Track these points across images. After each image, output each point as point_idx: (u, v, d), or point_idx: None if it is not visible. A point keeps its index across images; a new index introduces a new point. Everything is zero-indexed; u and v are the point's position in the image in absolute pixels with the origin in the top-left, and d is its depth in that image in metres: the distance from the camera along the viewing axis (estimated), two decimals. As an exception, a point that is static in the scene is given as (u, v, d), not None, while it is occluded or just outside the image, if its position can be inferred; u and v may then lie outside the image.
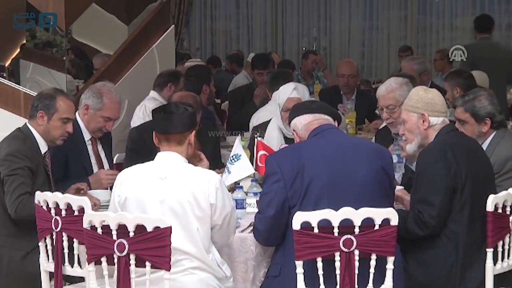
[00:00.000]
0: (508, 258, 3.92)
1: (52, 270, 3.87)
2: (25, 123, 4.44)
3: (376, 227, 3.40)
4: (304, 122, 3.82)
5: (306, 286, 3.43)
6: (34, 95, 5.85)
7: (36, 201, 3.91)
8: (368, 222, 3.40)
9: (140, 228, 3.35)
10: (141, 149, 4.95)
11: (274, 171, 3.61)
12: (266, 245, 3.78)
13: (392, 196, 3.81)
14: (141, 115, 6.22)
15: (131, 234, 3.35)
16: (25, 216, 4.10)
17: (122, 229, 3.36)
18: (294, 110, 3.96)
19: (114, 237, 3.37)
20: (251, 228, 3.88)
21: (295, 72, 9.83)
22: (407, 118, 4.09)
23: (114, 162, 5.29)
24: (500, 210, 3.83)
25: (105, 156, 5.03)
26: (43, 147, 4.39)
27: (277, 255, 3.69)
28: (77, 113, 4.86)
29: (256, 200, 4.20)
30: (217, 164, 5.28)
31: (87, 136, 4.92)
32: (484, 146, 4.48)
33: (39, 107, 4.39)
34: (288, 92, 5.14)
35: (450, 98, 6.16)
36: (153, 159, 3.69)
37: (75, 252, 3.82)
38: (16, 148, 4.24)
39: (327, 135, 3.73)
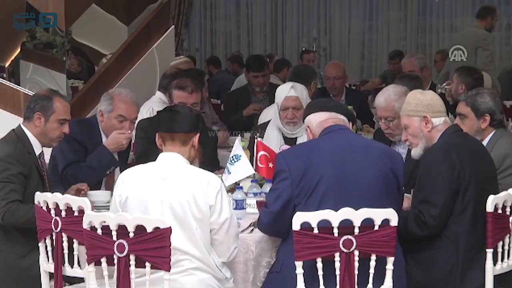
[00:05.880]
0: (508, 258, 3.92)
1: (52, 270, 3.87)
2: (19, 125, 4.38)
3: (376, 228, 3.40)
4: (319, 120, 3.81)
5: (306, 287, 3.44)
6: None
7: (36, 202, 3.91)
8: (368, 223, 3.40)
9: (140, 229, 3.35)
10: (153, 135, 4.90)
11: (282, 169, 3.63)
12: (269, 235, 3.80)
13: (400, 199, 3.76)
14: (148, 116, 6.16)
15: (131, 234, 3.35)
16: (12, 223, 4.08)
17: (122, 230, 3.36)
18: (310, 106, 3.97)
19: (114, 237, 3.37)
20: (251, 228, 3.89)
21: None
22: (408, 123, 4.05)
23: (128, 162, 5.25)
24: (500, 211, 3.83)
25: (118, 158, 4.98)
26: (38, 148, 4.34)
27: (280, 251, 3.71)
28: (98, 120, 4.92)
29: (256, 201, 4.21)
30: (215, 164, 5.27)
31: (104, 138, 4.91)
32: (483, 144, 4.48)
33: (36, 108, 4.34)
34: (286, 91, 5.14)
35: (452, 90, 6.24)
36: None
37: (75, 252, 3.82)
38: (8, 153, 4.18)
39: (337, 135, 3.72)
